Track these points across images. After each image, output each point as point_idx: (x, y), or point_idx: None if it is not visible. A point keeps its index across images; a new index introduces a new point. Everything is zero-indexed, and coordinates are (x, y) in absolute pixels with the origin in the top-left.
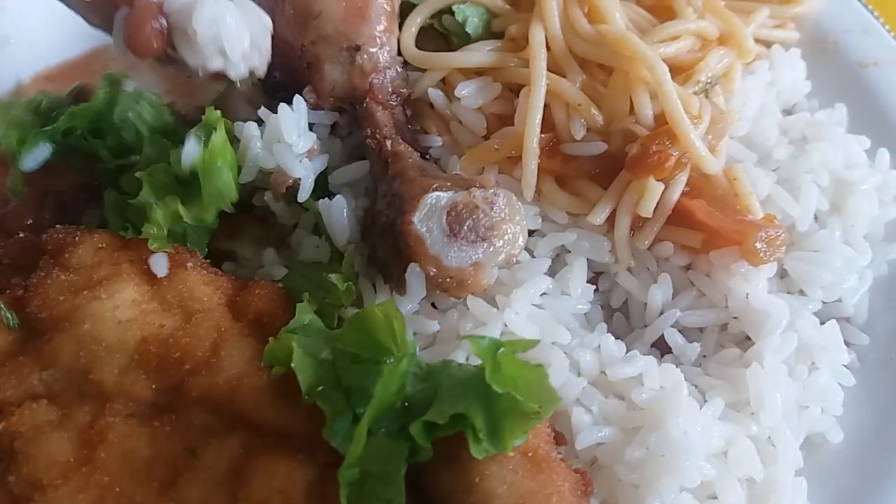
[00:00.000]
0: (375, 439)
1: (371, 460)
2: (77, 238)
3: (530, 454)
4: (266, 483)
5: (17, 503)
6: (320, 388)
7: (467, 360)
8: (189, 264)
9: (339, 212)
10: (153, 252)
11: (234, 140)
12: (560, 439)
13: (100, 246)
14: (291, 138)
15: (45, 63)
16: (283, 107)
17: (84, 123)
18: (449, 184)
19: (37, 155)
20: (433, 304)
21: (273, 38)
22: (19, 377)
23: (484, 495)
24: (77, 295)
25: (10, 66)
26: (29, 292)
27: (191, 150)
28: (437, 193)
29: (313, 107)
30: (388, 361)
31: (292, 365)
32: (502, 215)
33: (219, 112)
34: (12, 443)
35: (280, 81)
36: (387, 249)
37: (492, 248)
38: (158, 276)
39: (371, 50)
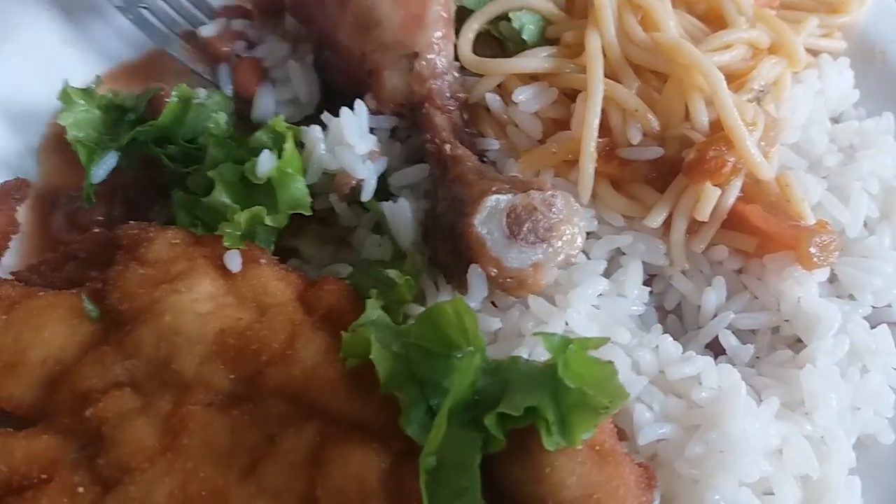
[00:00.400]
0: (450, 430)
1: (447, 449)
2: (151, 234)
3: (598, 448)
4: (343, 470)
5: (107, 485)
6: (396, 379)
7: (529, 356)
8: (262, 260)
9: (403, 213)
10: (227, 248)
11: (299, 144)
12: (622, 435)
13: (174, 242)
14: (353, 140)
15: (106, 64)
16: (344, 111)
17: (150, 137)
18: (508, 186)
19: (104, 165)
20: (493, 303)
21: (336, 47)
22: (103, 366)
23: (553, 486)
24: (156, 288)
25: (72, 67)
26: (108, 285)
27: (265, 161)
28: (496, 196)
29: (374, 112)
30: (458, 356)
31: (371, 357)
32: (561, 216)
33: (283, 117)
34: (100, 428)
35: (343, 89)
36: (448, 251)
37: (551, 249)
38: (233, 271)
39: (429, 56)
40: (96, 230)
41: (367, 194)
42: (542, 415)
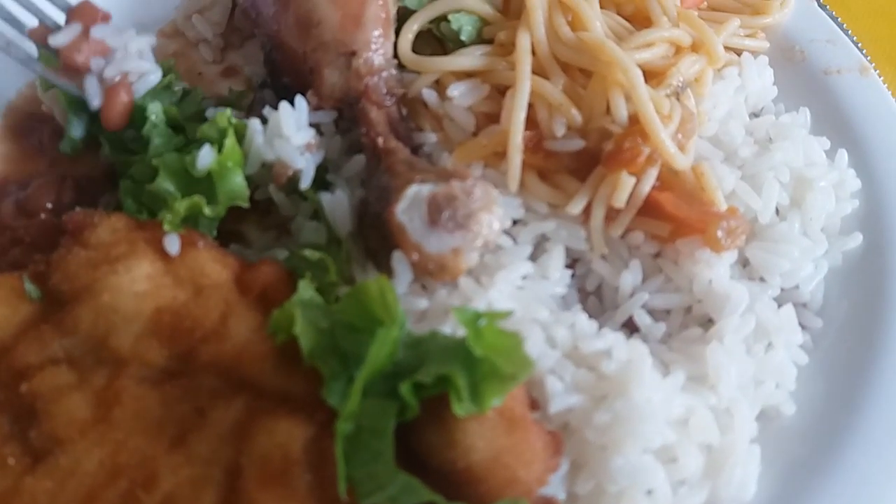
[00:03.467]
0: (368, 400)
1: (364, 417)
2: (96, 219)
3: (507, 415)
4: (268, 439)
5: (38, 456)
6: (320, 352)
7: (454, 333)
8: (200, 244)
9: (339, 203)
10: (167, 233)
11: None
12: (535, 404)
13: (117, 226)
14: (290, 133)
15: None
16: (283, 105)
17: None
18: (432, 176)
19: (80, 125)
20: (423, 286)
21: (281, 45)
22: (41, 344)
23: (463, 450)
24: (96, 269)
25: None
26: (51, 267)
27: (205, 156)
28: (418, 185)
29: (315, 108)
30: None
31: (295, 332)
32: (479, 204)
33: (228, 112)
34: (34, 403)
35: (288, 85)
36: (376, 238)
37: (470, 235)
38: (172, 254)
39: (366, 55)
40: (43, 216)
41: (304, 184)
42: (454, 383)
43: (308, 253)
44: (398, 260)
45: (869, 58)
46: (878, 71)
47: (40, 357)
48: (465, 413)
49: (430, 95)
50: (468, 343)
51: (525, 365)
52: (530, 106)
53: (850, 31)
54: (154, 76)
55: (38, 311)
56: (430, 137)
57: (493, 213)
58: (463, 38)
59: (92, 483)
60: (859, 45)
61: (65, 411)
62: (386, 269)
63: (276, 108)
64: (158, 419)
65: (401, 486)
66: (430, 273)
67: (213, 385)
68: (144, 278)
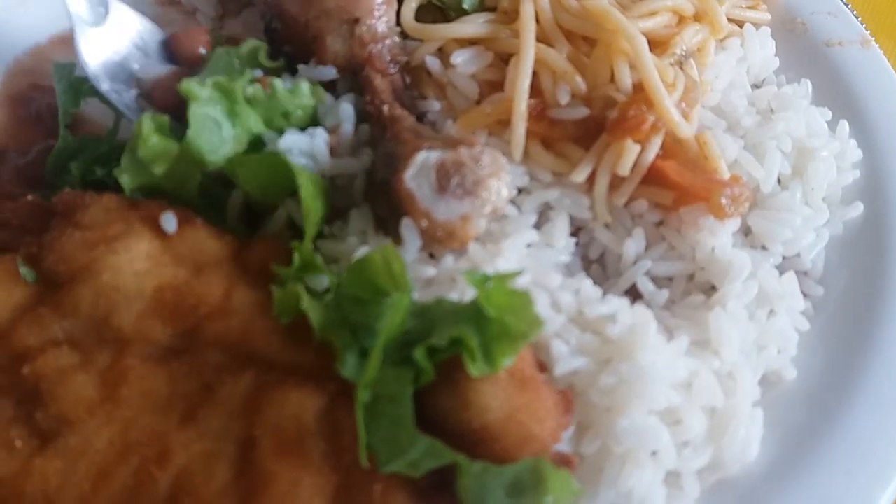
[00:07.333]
0: (383, 368)
1: (381, 385)
2: (87, 200)
3: (518, 376)
4: (280, 410)
5: (45, 437)
6: (330, 326)
7: (460, 300)
8: (197, 221)
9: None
10: (163, 211)
11: None
12: (542, 367)
13: (110, 206)
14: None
15: (59, 26)
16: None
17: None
18: (439, 143)
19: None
20: (431, 255)
21: (282, 13)
22: (40, 326)
23: (478, 410)
24: (93, 249)
25: (26, 28)
26: (44, 249)
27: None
28: (426, 152)
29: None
30: (387, 300)
31: (303, 307)
32: (488, 171)
33: None
34: (37, 384)
35: (290, 54)
36: (384, 206)
37: (478, 201)
38: (169, 232)
39: (369, 22)
40: (30, 197)
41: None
42: (466, 344)
43: None
44: (407, 227)
45: (869, 32)
46: (878, 45)
47: (40, 339)
48: (480, 373)
49: (433, 63)
50: (479, 303)
51: (535, 323)
52: (534, 74)
53: (850, 5)
54: None
55: (34, 293)
56: (434, 105)
57: (502, 180)
58: (465, 6)
59: (103, 461)
60: (859, 18)
61: (70, 392)
62: (394, 236)
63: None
64: (167, 396)
65: (423, 450)
66: (438, 240)
67: (220, 360)
68: (144, 257)
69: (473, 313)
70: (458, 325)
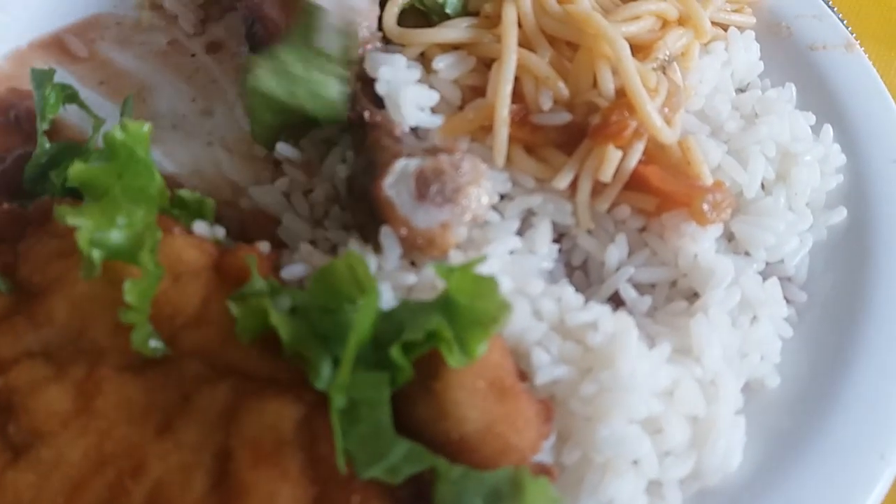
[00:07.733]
0: (357, 373)
1: (357, 390)
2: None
3: (497, 385)
4: (257, 420)
5: (18, 451)
6: (299, 339)
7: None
8: (175, 230)
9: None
10: None
11: None
12: (524, 376)
13: None
14: None
15: (38, 31)
16: None
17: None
18: (419, 150)
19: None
20: (412, 263)
21: (263, 18)
22: (14, 336)
23: (456, 421)
24: (68, 259)
25: (5, 33)
26: (19, 258)
27: None
28: (405, 160)
29: None
30: (357, 304)
31: (272, 322)
32: (468, 178)
33: None
34: (10, 398)
35: None
36: (363, 213)
37: (458, 209)
38: None
39: None
40: (6, 206)
41: None
42: (442, 335)
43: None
44: (386, 235)
45: (854, 35)
46: (863, 48)
47: (14, 350)
48: (458, 364)
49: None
50: (451, 293)
51: (503, 307)
52: (517, 79)
53: (835, 9)
54: None
55: (8, 303)
56: None
57: (482, 187)
58: (448, 10)
59: (77, 474)
60: (844, 22)
61: (43, 404)
62: (374, 244)
63: None
64: (143, 407)
65: (402, 454)
66: (418, 248)
67: (198, 371)
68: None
69: (443, 305)
70: (431, 318)
